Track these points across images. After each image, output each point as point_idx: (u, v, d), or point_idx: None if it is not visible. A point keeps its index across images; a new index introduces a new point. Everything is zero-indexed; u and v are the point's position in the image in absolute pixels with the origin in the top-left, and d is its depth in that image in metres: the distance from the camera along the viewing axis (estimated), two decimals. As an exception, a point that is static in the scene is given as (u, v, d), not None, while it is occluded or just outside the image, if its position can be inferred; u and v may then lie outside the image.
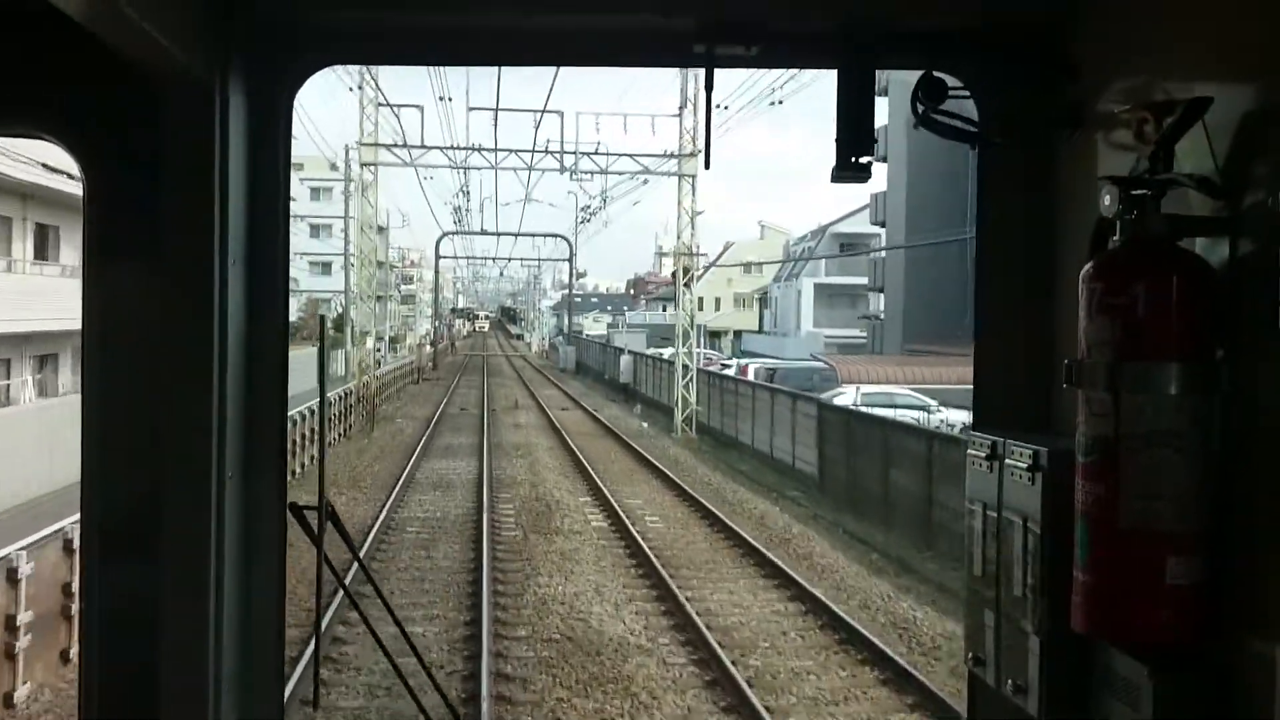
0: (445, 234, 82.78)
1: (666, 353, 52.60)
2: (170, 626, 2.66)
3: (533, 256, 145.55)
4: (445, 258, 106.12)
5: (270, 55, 2.76)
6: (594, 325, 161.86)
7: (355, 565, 3.97)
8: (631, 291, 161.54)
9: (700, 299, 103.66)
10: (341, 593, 3.08)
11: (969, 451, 2.67)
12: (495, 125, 42.87)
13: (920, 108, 2.60)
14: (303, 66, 2.84)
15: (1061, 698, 2.36)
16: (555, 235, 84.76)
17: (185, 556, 2.65)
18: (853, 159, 2.67)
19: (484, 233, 78.31)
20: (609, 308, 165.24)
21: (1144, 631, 2.11)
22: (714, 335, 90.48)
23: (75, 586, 12.74)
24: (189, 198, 2.62)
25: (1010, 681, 2.49)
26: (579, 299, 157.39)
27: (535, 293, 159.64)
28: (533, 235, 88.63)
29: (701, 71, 2.79)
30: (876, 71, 2.69)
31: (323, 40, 2.86)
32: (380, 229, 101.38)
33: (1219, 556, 2.07)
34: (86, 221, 2.74)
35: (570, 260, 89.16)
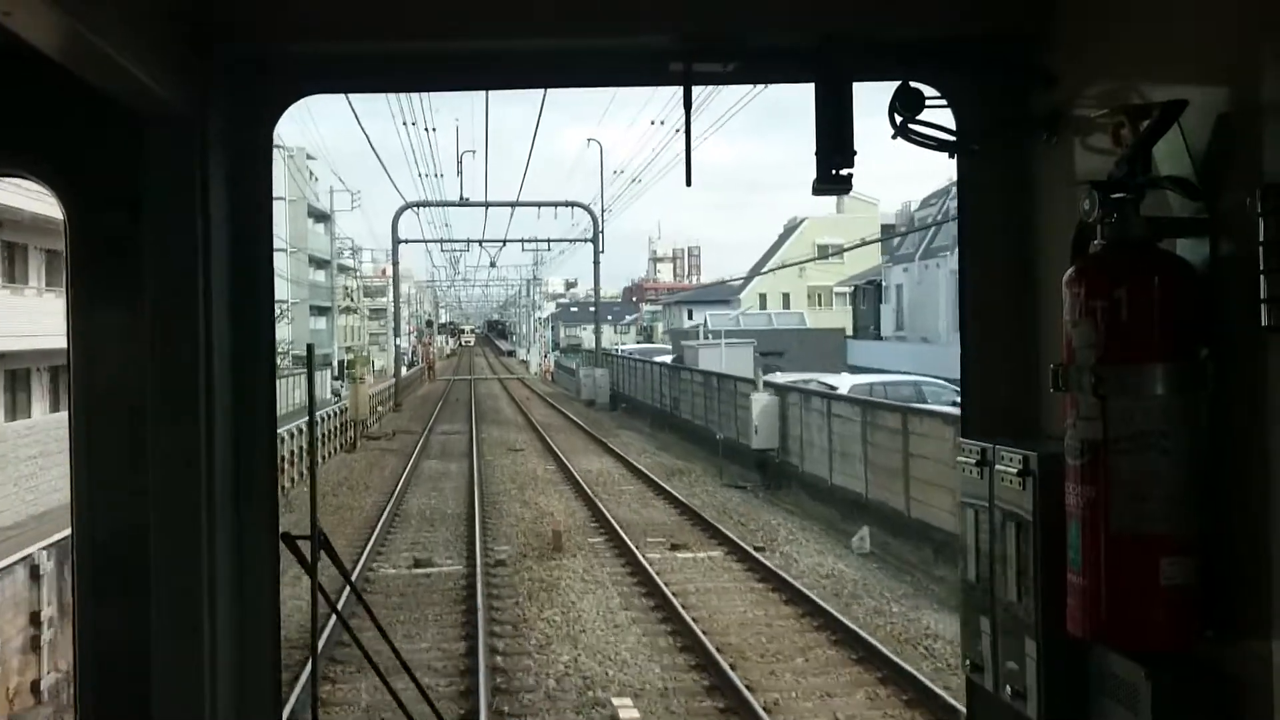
0: (408, 205, 60.54)
1: (794, 377, 33.41)
2: (164, 660, 2.66)
3: (532, 256, 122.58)
4: (412, 241, 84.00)
5: (249, 88, 2.76)
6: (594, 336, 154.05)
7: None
8: (635, 299, 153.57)
9: (761, 296, 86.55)
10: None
11: (959, 459, 2.68)
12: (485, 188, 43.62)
13: (898, 118, 2.62)
14: (282, 98, 2.85)
15: (1060, 702, 2.36)
16: (574, 204, 61.37)
17: (177, 590, 2.65)
18: (833, 171, 2.69)
19: (464, 202, 59.18)
20: (609, 316, 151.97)
21: (1140, 633, 2.11)
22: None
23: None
24: (172, 231, 2.63)
25: (1008, 687, 2.49)
26: (574, 309, 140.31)
27: (533, 295, 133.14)
28: (539, 205, 61.63)
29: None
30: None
31: (301, 71, 2.87)
32: (321, 216, 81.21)
33: (1213, 556, 2.07)
34: (70, 257, 2.73)
35: (593, 240, 61.70)
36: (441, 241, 78.33)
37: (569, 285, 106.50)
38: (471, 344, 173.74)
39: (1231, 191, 2.01)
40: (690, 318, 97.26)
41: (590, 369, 64.79)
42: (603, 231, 39.26)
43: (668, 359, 53.81)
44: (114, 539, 2.71)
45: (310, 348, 4.31)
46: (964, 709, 2.93)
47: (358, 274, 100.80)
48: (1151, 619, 2.09)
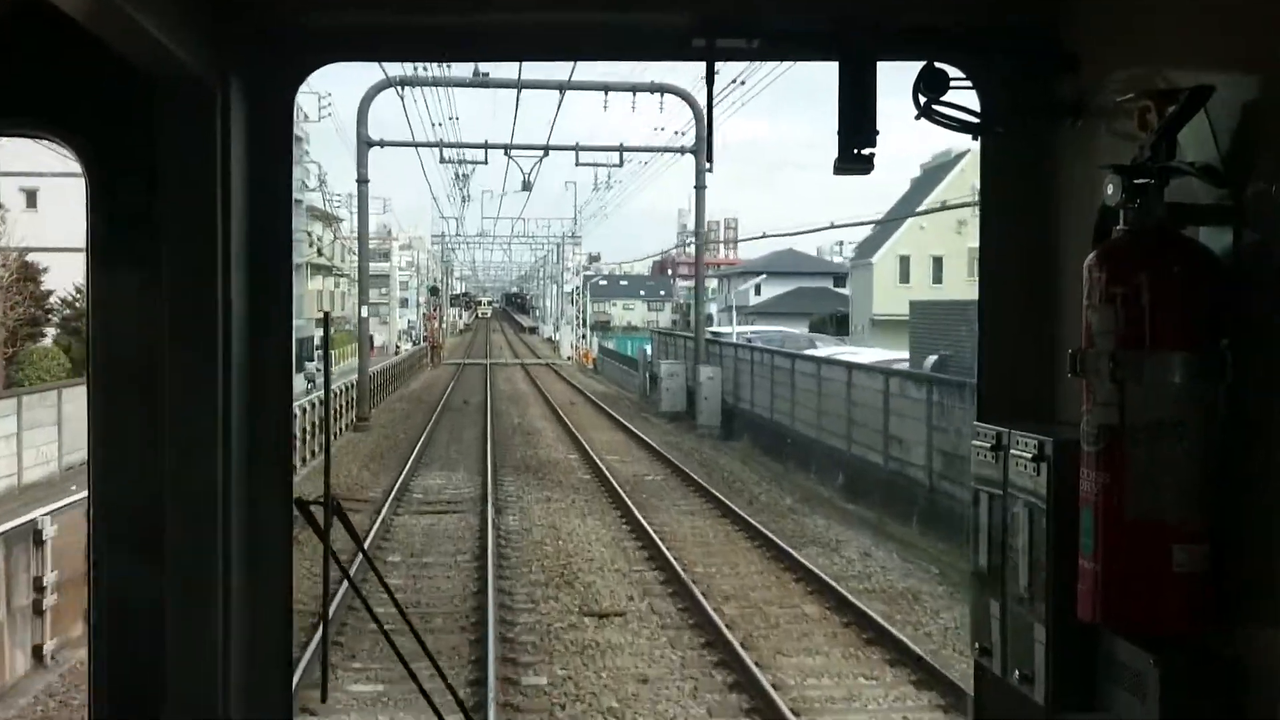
0: (389, 83, 36.78)
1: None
2: (177, 623, 2.69)
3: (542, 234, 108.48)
4: (395, 144, 41.57)
5: (270, 54, 2.76)
6: (625, 313, 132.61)
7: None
8: (670, 272, 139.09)
9: (903, 258, 64.91)
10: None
11: (974, 442, 2.68)
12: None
13: (922, 99, 2.61)
14: (303, 65, 2.85)
15: (1068, 687, 2.37)
16: (664, 89, 37.69)
17: (192, 555, 2.68)
18: (855, 150, 2.68)
19: (479, 81, 36.77)
20: (641, 292, 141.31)
21: (1150, 620, 2.12)
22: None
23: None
24: (191, 196, 2.65)
25: (1017, 671, 2.49)
26: (602, 282, 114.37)
27: (562, 262, 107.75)
28: (603, 89, 36.94)
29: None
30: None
31: (322, 38, 2.87)
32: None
33: (1225, 545, 2.07)
34: (89, 220, 2.74)
35: (701, 147, 37.07)
36: (444, 147, 44.10)
37: (592, 259, 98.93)
38: (489, 316, 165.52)
39: (1257, 179, 2.00)
40: (758, 293, 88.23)
41: (676, 365, 42.20)
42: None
43: (825, 351, 37.46)
44: (130, 505, 2.73)
45: (326, 315, 4.39)
46: (971, 693, 2.96)
47: (332, 220, 75.16)
48: (1162, 606, 2.09)
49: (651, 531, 19.74)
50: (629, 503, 22.51)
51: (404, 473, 26.36)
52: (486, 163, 43.29)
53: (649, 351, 52.72)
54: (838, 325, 71.38)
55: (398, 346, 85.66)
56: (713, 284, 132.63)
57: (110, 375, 2.76)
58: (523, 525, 21.13)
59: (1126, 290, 2.10)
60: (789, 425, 30.79)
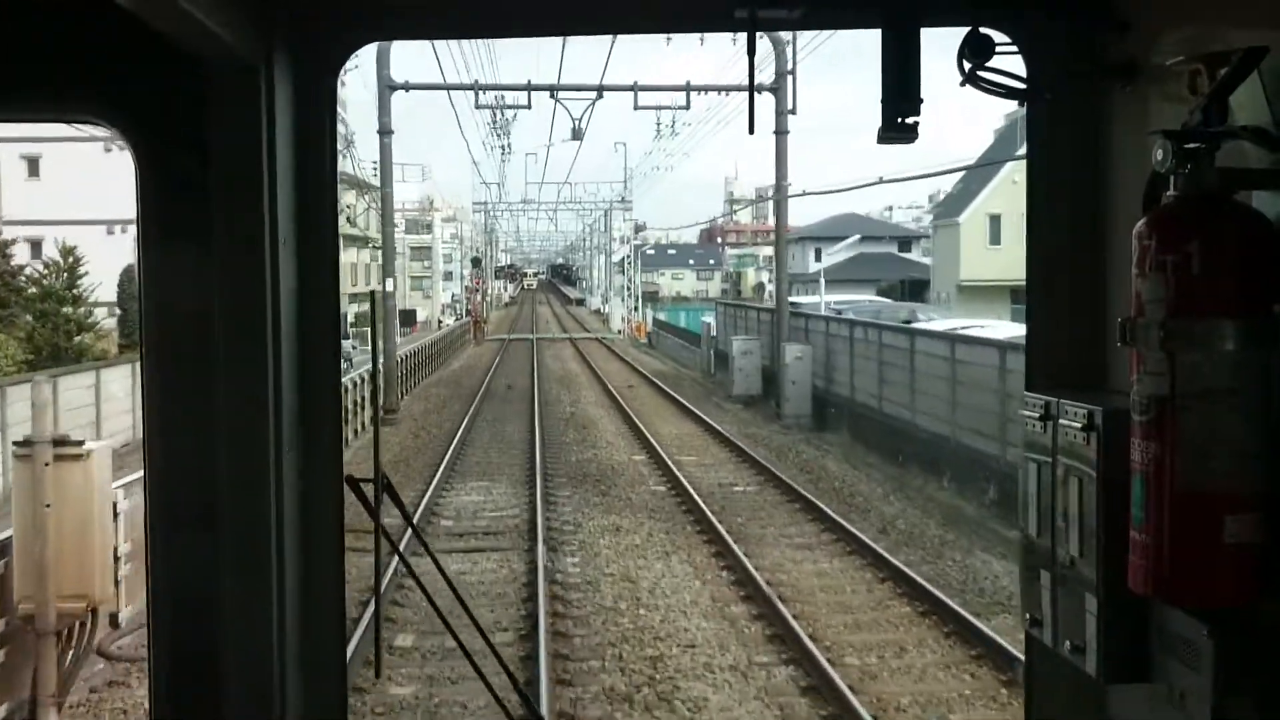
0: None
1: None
2: (233, 600, 2.73)
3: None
4: (421, 87, 34.68)
5: (314, 34, 2.79)
6: (674, 283, 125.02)
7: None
8: (719, 240, 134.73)
9: (993, 217, 56.74)
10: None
11: (1022, 412, 2.65)
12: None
13: (967, 65, 2.57)
14: (346, 44, 2.87)
15: (1120, 658, 2.35)
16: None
17: (245, 531, 2.71)
18: (899, 119, 2.65)
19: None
20: (690, 261, 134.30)
21: (1202, 591, 2.10)
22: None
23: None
24: (238, 177, 2.67)
25: (1068, 642, 2.48)
26: (650, 252, 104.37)
27: (609, 229, 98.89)
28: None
29: None
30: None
31: (365, 17, 2.89)
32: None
33: (1277, 514, 2.05)
34: (140, 203, 2.79)
35: (782, 85, 32.91)
36: (480, 89, 36.44)
37: (638, 228, 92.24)
38: (534, 288, 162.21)
39: None
40: (818, 259, 75.15)
41: (751, 342, 35.87)
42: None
43: (945, 324, 33.47)
44: (184, 477, 2.77)
45: (373, 294, 4.48)
46: (1023, 661, 2.96)
47: (365, 187, 64.06)
48: (1214, 576, 2.07)
49: (764, 583, 14.20)
50: (721, 530, 17.06)
51: (432, 485, 20.76)
52: (529, 106, 34.41)
53: (712, 325, 46.76)
54: (910, 293, 66.49)
55: (440, 321, 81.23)
56: (765, 251, 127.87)
57: (162, 348, 2.79)
58: (586, 574, 15.35)
59: (1177, 257, 2.07)
60: (906, 418, 24.79)
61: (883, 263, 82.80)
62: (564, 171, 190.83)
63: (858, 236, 71.91)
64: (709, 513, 18.23)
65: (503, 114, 42.30)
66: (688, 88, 34.25)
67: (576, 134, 35.09)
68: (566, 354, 59.05)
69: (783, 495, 20.43)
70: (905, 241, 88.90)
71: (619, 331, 78.39)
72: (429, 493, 20.04)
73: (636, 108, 34.03)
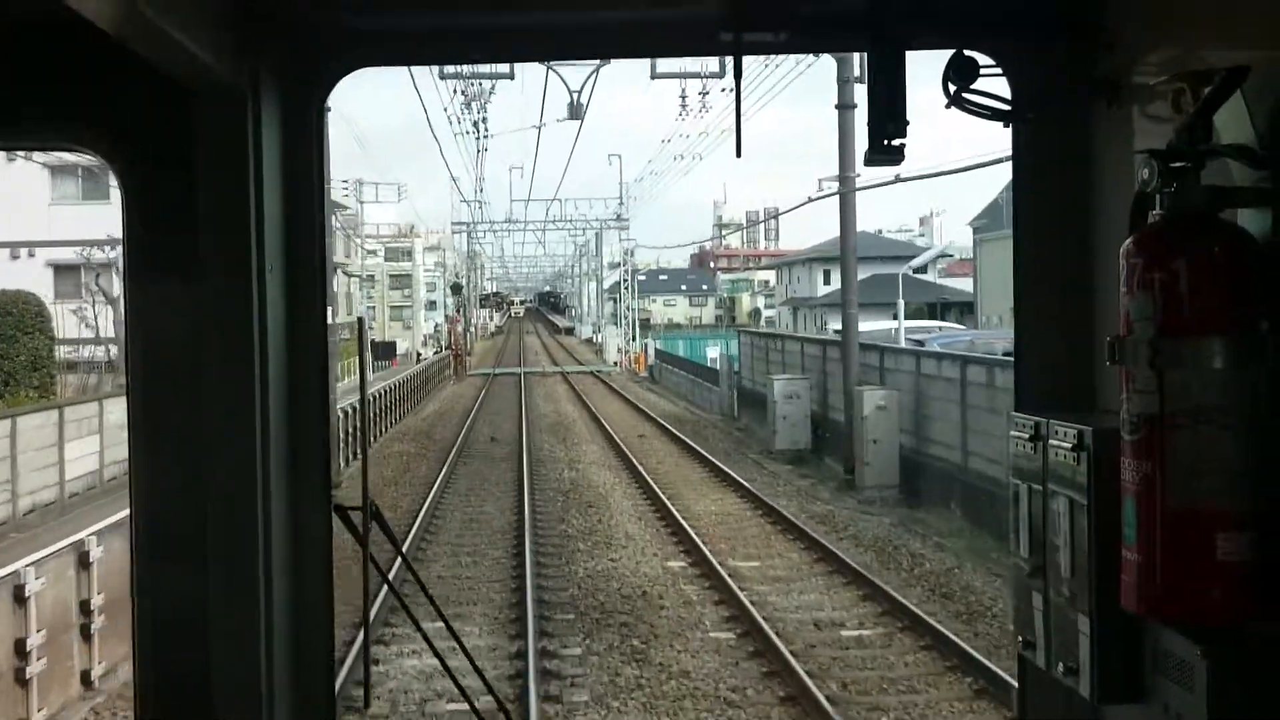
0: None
1: None
2: (220, 628, 2.70)
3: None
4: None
5: (301, 60, 2.78)
6: (667, 309, 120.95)
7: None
8: (711, 264, 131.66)
9: None
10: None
11: (1012, 433, 2.65)
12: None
13: (952, 87, 2.58)
14: (334, 69, 2.86)
15: (1114, 679, 2.33)
16: None
17: (233, 559, 2.68)
18: (885, 141, 2.65)
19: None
20: (683, 286, 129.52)
21: (1196, 610, 2.09)
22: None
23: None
24: (225, 204, 2.65)
25: (1061, 664, 2.46)
26: (641, 277, 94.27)
27: (599, 254, 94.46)
28: None
29: None
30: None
31: (353, 42, 2.87)
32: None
33: (1271, 533, 2.04)
34: (125, 229, 2.77)
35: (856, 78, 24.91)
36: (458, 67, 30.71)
37: (627, 253, 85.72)
38: (521, 315, 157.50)
39: None
40: (827, 281, 72.24)
41: (796, 383, 28.40)
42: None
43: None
44: (171, 507, 2.74)
45: (361, 320, 6.43)
46: (1016, 684, 2.91)
47: (335, 207, 66.00)
48: (1207, 595, 2.07)
49: None
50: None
51: (359, 638, 11.44)
52: (511, 76, 28.38)
53: (733, 357, 39.55)
54: (938, 317, 60.05)
55: (418, 354, 73.14)
56: (767, 276, 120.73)
57: (148, 378, 2.76)
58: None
59: (1165, 276, 2.08)
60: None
61: (896, 284, 76.06)
62: (552, 187, 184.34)
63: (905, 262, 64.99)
64: (822, 700, 10.36)
65: (478, 86, 35.10)
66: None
67: (575, 112, 28.02)
68: (559, 392, 51.10)
69: (929, 649, 12.29)
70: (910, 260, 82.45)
71: (615, 364, 70.92)
72: (352, 653, 11.50)
73: (654, 76, 26.71)
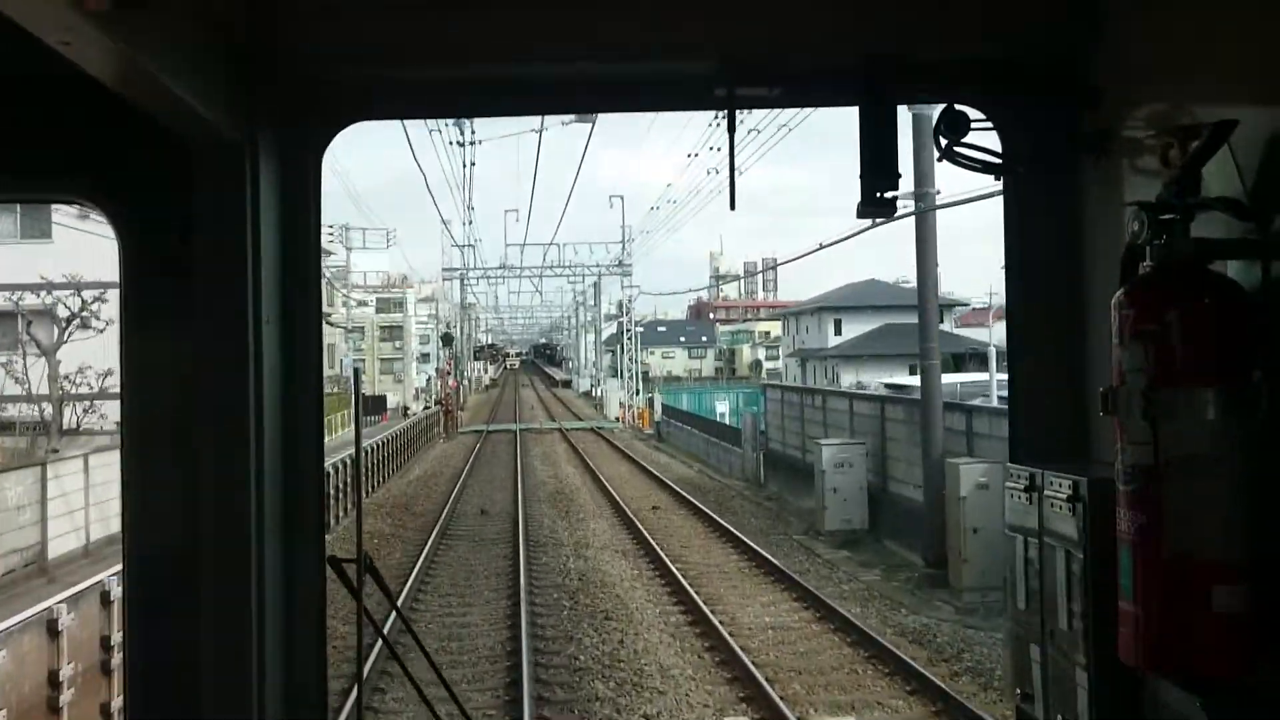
0: None
1: None
2: (213, 682, 2.66)
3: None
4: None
5: (298, 116, 2.79)
6: (665, 361, 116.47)
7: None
8: (710, 315, 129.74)
9: None
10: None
11: (1007, 484, 2.66)
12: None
13: (944, 141, 2.60)
14: (331, 123, 2.87)
15: None
16: None
17: (226, 611, 2.66)
18: (877, 194, 2.66)
19: None
20: (682, 338, 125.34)
21: (1194, 662, 2.07)
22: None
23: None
24: (222, 258, 2.65)
25: (1059, 717, 2.45)
26: (641, 329, 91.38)
27: (597, 303, 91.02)
28: None
29: None
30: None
31: (349, 98, 2.88)
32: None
33: (1267, 583, 2.02)
34: (123, 283, 2.76)
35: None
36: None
37: (623, 307, 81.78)
38: (516, 368, 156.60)
39: None
40: (838, 332, 70.62)
41: (849, 451, 23.60)
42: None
43: None
44: (164, 560, 2.72)
45: (357, 371, 6.36)
46: None
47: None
48: (1205, 647, 2.05)
49: None
50: None
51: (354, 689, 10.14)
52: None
53: (755, 412, 34.43)
54: (962, 369, 56.79)
55: (406, 409, 68.03)
56: (768, 327, 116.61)
57: (144, 430, 2.75)
58: None
59: (1156, 327, 2.09)
60: None
61: (912, 335, 71.69)
62: (549, 230, 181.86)
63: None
64: None
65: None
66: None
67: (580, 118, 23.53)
68: (559, 451, 46.29)
69: None
70: (942, 309, 78.13)
71: (616, 419, 65.46)
72: None
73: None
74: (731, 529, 23.68)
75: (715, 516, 25.56)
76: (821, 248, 29.74)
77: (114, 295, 35.37)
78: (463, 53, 2.77)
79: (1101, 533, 2.24)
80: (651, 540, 22.44)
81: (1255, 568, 2.02)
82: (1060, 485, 2.44)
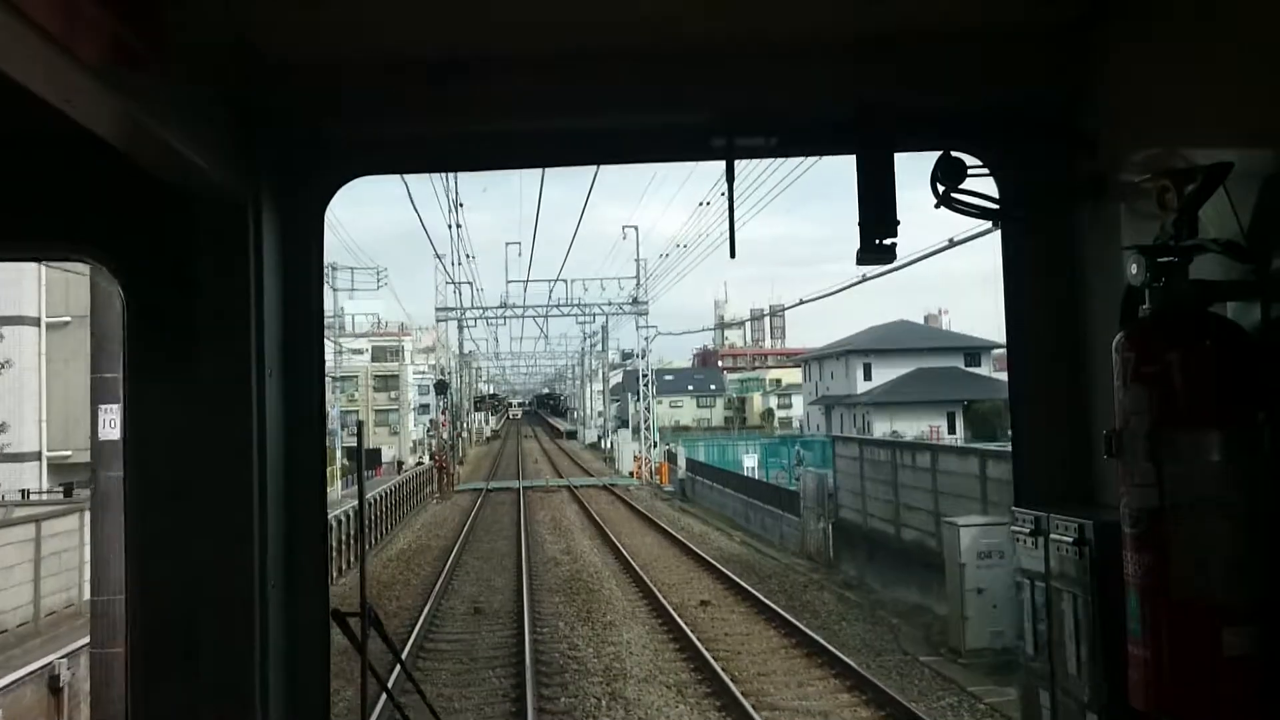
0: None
1: None
2: None
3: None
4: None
5: (299, 171, 2.82)
6: (673, 411, 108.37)
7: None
8: (718, 363, 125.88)
9: None
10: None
11: (1013, 529, 2.64)
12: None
13: (940, 188, 2.61)
14: (332, 180, 2.89)
15: None
16: None
17: (229, 667, 2.64)
18: (877, 241, 2.67)
19: None
20: (690, 387, 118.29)
21: (1203, 706, 2.04)
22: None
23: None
24: (225, 312, 2.66)
25: None
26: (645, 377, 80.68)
27: (604, 351, 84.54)
28: None
29: None
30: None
31: (351, 153, 2.91)
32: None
33: (1275, 625, 2.00)
34: (126, 337, 2.77)
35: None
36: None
37: (626, 356, 75.12)
38: (519, 418, 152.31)
39: None
40: (868, 377, 66.63)
41: (996, 537, 15.66)
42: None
43: None
44: (167, 613, 2.70)
45: (360, 425, 6.51)
46: None
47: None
48: (1214, 691, 2.02)
49: None
50: None
51: None
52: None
53: (826, 474, 27.64)
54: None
55: (400, 463, 62.95)
56: (779, 375, 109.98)
57: (147, 483, 2.74)
58: None
59: (1158, 369, 2.08)
60: None
61: (948, 380, 65.10)
62: (555, 266, 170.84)
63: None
64: None
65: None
66: None
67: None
68: (569, 516, 38.92)
69: None
70: (974, 353, 70.90)
71: (631, 474, 58.00)
72: None
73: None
74: (824, 643, 16.74)
75: (793, 620, 18.43)
76: (845, 288, 32.57)
77: (9, 331, 28.24)
78: (463, 109, 2.81)
79: (1108, 576, 2.24)
80: (714, 663, 15.66)
81: (1262, 609, 2.01)
82: (1066, 529, 2.45)
